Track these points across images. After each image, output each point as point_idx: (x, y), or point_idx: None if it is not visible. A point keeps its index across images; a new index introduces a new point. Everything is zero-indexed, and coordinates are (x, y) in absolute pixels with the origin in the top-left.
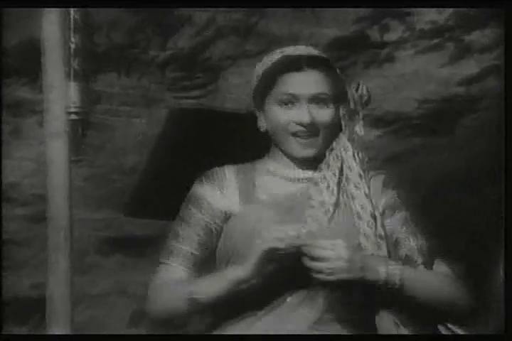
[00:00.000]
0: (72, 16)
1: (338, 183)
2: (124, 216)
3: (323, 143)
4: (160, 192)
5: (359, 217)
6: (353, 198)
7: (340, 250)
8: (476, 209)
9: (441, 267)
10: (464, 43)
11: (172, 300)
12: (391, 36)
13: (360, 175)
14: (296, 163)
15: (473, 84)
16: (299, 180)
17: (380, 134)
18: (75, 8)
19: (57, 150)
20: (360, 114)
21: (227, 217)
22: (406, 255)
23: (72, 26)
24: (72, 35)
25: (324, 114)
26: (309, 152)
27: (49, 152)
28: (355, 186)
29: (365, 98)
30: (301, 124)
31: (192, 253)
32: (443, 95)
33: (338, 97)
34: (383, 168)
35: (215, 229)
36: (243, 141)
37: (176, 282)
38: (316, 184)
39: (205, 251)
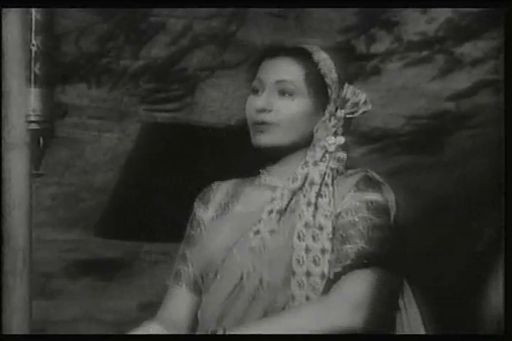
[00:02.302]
0: (33, 17)
1: (294, 190)
2: (94, 237)
3: (283, 134)
4: (132, 211)
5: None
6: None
7: None
8: (472, 231)
9: (348, 284)
10: (455, 56)
11: None
12: (378, 47)
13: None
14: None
15: (465, 99)
16: (275, 188)
17: (365, 152)
18: (37, 8)
19: (16, 162)
20: (334, 121)
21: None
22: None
23: (33, 27)
24: (33, 36)
25: (284, 105)
26: (265, 139)
27: (7, 165)
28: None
29: (349, 103)
30: (258, 111)
31: (187, 272)
32: (432, 111)
33: (310, 90)
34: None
35: None
36: (222, 157)
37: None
38: (273, 191)
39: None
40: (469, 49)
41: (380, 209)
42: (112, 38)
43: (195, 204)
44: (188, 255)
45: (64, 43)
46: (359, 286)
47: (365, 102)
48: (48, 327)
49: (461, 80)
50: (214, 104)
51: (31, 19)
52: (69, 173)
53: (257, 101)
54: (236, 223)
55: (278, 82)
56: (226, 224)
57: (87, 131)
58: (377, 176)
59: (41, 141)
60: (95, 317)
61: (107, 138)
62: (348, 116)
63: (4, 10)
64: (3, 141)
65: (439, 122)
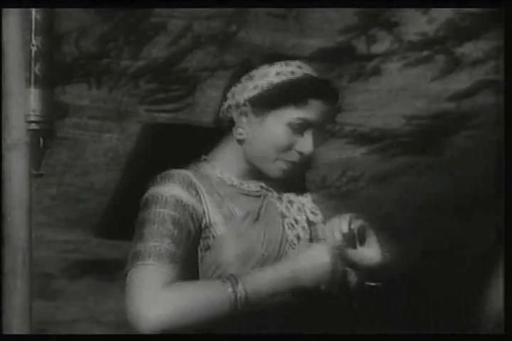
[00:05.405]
0: (33, 17)
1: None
2: (94, 237)
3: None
4: (133, 212)
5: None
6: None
7: None
8: (472, 231)
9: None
10: (455, 56)
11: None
12: (378, 48)
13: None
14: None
15: (465, 99)
16: (256, 192)
17: (365, 152)
18: (37, 9)
19: (16, 163)
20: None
21: (207, 225)
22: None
23: (33, 27)
24: (33, 37)
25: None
26: (284, 175)
27: (7, 165)
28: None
29: None
30: (300, 154)
31: (167, 249)
32: (433, 111)
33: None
34: (368, 188)
35: (193, 227)
36: None
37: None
38: (279, 199)
39: (182, 248)
40: (470, 49)
41: None
42: (112, 38)
43: (168, 187)
44: (166, 232)
45: (64, 44)
46: None
47: None
48: (49, 328)
49: (462, 80)
50: (214, 104)
51: (31, 19)
52: (69, 174)
53: (305, 145)
54: (264, 229)
55: (322, 125)
56: (252, 233)
57: (88, 132)
58: None
59: (41, 141)
60: (96, 317)
61: (108, 139)
62: None
63: (4, 10)
64: (3, 141)
65: (439, 122)
